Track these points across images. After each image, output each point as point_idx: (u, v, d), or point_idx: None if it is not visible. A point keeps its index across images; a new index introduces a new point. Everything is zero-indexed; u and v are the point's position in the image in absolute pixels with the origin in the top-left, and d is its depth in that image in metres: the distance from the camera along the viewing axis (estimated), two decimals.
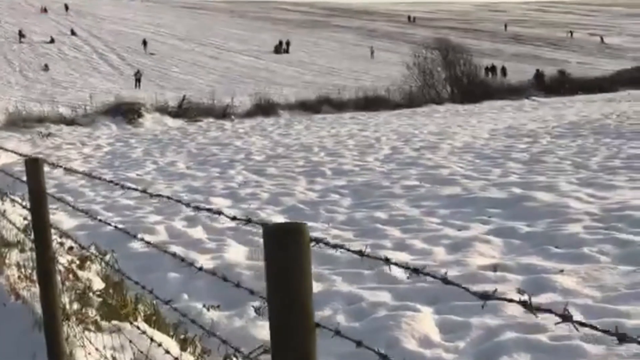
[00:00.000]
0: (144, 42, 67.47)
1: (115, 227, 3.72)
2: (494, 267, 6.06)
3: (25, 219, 7.32)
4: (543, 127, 19.86)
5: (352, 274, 6.12)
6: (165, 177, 13.26)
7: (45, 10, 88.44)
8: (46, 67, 55.79)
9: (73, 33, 72.65)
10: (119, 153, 18.03)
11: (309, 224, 8.63)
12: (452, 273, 5.95)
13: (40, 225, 3.72)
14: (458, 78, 37.99)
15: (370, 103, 33.73)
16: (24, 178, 3.85)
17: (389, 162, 13.98)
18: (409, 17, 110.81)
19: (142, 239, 3.39)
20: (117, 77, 54.23)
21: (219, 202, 10.23)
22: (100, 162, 16.31)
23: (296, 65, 65.84)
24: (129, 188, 3.51)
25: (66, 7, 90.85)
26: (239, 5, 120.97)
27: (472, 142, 16.92)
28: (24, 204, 8.87)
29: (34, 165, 3.68)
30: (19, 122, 23.16)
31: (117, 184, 3.52)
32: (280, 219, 9.04)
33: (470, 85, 37.64)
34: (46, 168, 3.96)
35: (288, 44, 74.51)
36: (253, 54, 70.36)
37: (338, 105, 33.18)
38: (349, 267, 6.25)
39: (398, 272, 5.69)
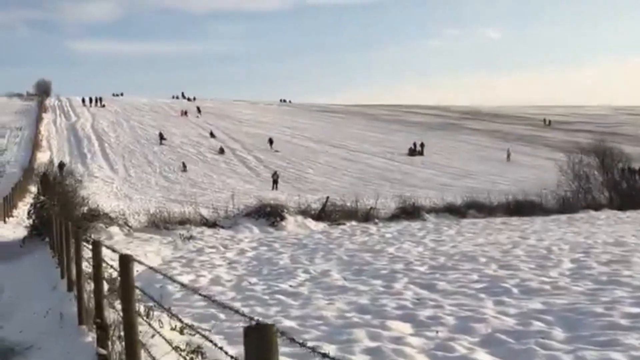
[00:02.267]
0: (270, 141, 69.20)
1: None
2: None
3: (178, 349, 5.83)
4: None
5: None
6: (323, 290, 11.62)
7: (185, 113, 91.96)
8: (184, 167, 56.87)
9: (212, 135, 74.57)
10: (264, 259, 16.69)
11: None
12: None
13: None
14: (617, 182, 35.18)
15: (521, 207, 31.42)
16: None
17: (581, 279, 11.82)
18: (544, 120, 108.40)
19: None
20: (254, 178, 54.38)
21: (398, 328, 8.46)
22: (246, 268, 14.96)
23: (430, 167, 64.41)
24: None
25: (198, 110, 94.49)
26: (372, 109, 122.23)
27: None
28: (174, 325, 7.42)
29: None
30: (160, 224, 22.55)
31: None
32: (485, 357, 7.16)
33: (630, 190, 34.70)
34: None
35: (422, 145, 73.47)
36: (387, 156, 69.64)
37: (486, 209, 31.05)
38: None
39: None
